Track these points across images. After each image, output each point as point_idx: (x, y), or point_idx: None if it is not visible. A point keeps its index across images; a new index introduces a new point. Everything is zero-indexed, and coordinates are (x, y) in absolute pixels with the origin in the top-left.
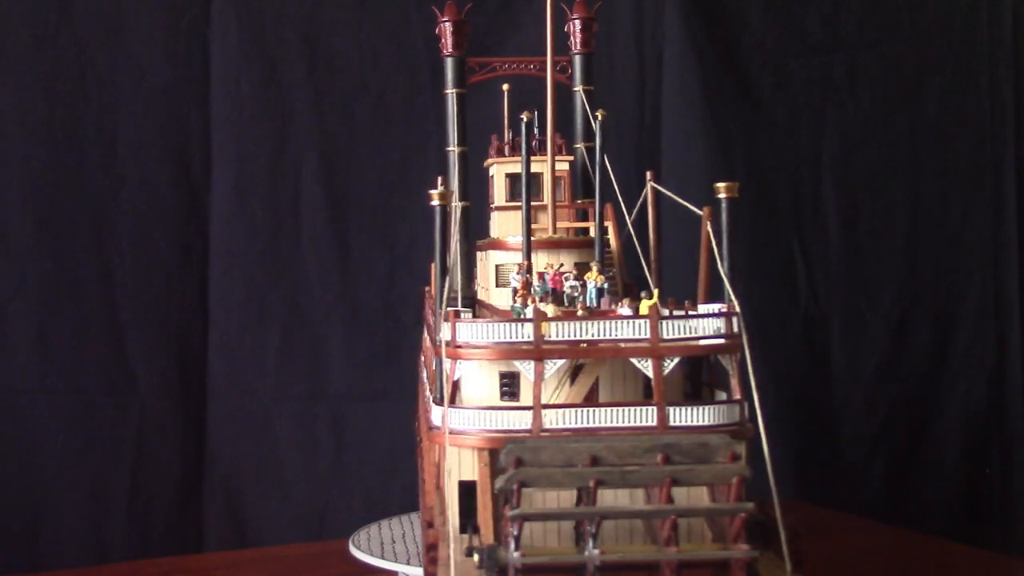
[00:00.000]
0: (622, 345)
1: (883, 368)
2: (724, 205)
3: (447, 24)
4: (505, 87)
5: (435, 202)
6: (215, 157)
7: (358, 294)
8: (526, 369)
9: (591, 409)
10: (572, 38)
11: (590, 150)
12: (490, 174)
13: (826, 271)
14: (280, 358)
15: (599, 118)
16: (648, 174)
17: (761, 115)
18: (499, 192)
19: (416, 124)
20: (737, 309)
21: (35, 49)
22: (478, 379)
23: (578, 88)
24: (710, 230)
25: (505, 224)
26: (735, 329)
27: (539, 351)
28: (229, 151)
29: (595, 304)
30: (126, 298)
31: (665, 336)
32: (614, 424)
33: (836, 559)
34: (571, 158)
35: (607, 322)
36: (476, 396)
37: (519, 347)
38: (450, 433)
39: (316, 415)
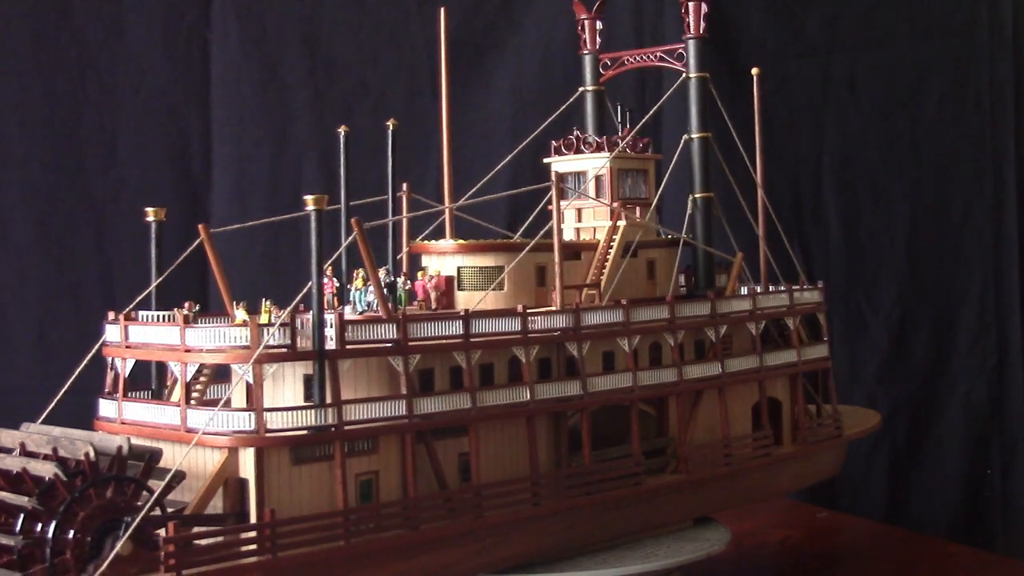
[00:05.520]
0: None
1: (883, 368)
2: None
3: (587, 21)
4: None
5: (151, 219)
6: (215, 157)
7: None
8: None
9: (146, 405)
10: (686, 22)
11: (703, 140)
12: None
13: (826, 271)
14: None
15: (391, 127)
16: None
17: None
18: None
19: (416, 124)
20: (279, 320)
21: (35, 49)
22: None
23: (691, 75)
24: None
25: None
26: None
27: (122, 350)
28: (229, 151)
29: (365, 308)
30: (126, 298)
31: (192, 344)
32: (154, 421)
33: (836, 559)
34: (609, 155)
35: (176, 328)
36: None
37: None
38: (95, 420)
39: None
